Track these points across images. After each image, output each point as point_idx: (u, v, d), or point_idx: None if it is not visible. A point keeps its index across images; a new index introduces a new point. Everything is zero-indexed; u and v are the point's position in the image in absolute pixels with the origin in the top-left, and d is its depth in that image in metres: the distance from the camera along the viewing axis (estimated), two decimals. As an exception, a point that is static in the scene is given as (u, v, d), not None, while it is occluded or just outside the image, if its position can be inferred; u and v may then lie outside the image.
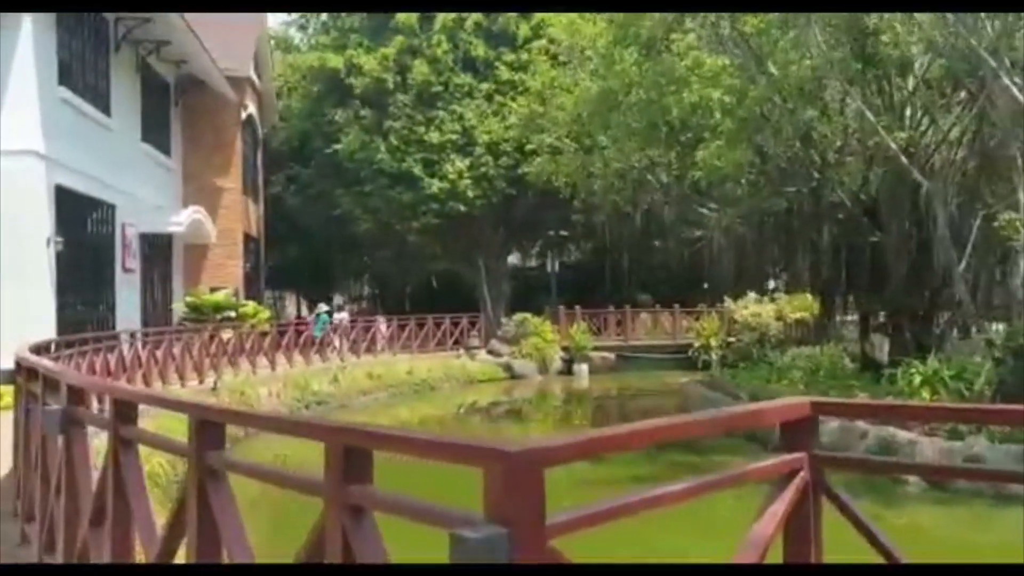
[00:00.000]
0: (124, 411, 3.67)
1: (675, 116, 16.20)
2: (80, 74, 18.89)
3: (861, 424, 12.28)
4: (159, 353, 14.53)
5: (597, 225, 29.67)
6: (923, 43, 12.12)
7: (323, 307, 27.36)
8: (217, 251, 26.48)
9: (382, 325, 27.32)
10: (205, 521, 2.91)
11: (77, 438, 4.37)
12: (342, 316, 27.52)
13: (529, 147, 24.93)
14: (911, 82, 14.61)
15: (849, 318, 31.58)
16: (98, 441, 4.89)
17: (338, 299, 33.52)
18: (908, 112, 14.27)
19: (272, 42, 32.50)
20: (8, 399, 14.07)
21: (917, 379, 14.19)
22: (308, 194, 32.10)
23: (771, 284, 39.73)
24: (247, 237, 28.21)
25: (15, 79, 16.26)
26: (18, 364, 6.54)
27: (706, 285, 37.61)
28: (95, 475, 4.17)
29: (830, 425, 12.80)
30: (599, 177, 19.98)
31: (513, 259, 36.36)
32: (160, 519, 3.69)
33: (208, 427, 2.95)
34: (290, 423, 2.97)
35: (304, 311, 42.45)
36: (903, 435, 11.25)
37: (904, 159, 12.54)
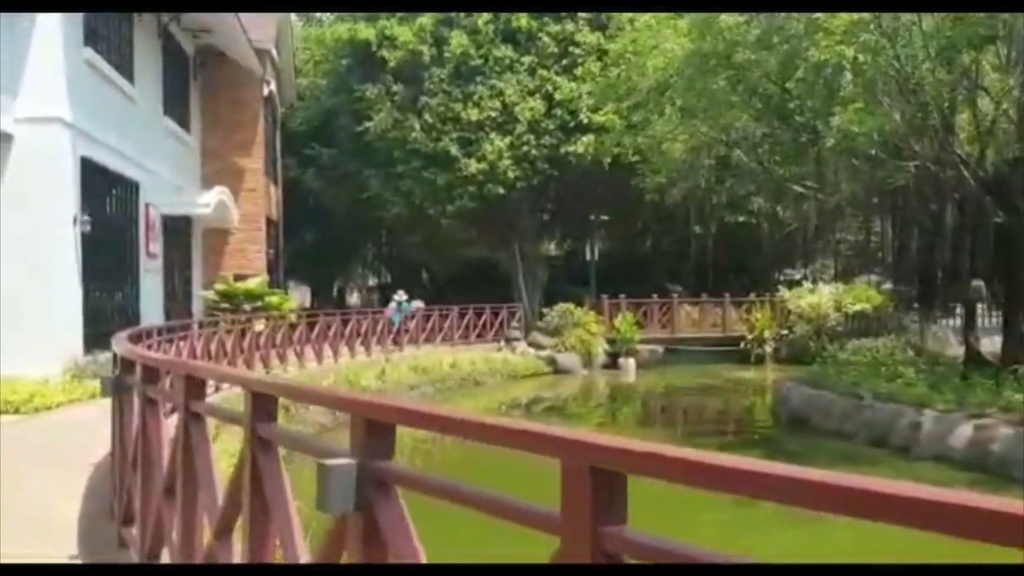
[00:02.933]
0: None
1: (798, 78, 14.39)
2: (105, 36, 17.05)
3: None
4: (212, 346, 12.77)
5: (643, 209, 27.94)
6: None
7: (402, 295, 25.63)
8: (238, 236, 24.67)
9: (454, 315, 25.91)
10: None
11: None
12: (418, 305, 25.91)
13: (597, 118, 23.04)
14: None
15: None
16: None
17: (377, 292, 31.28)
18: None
19: (293, 15, 30.57)
20: (52, 398, 12.38)
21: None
22: (331, 177, 30.19)
23: (799, 274, 38.42)
24: (268, 222, 26.46)
25: (40, 35, 14.39)
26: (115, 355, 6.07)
27: (732, 276, 36.17)
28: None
29: (1002, 431, 11.13)
30: (682, 152, 18.19)
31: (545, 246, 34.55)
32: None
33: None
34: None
35: (307, 300, 40.57)
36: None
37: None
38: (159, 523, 4.01)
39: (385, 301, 35.21)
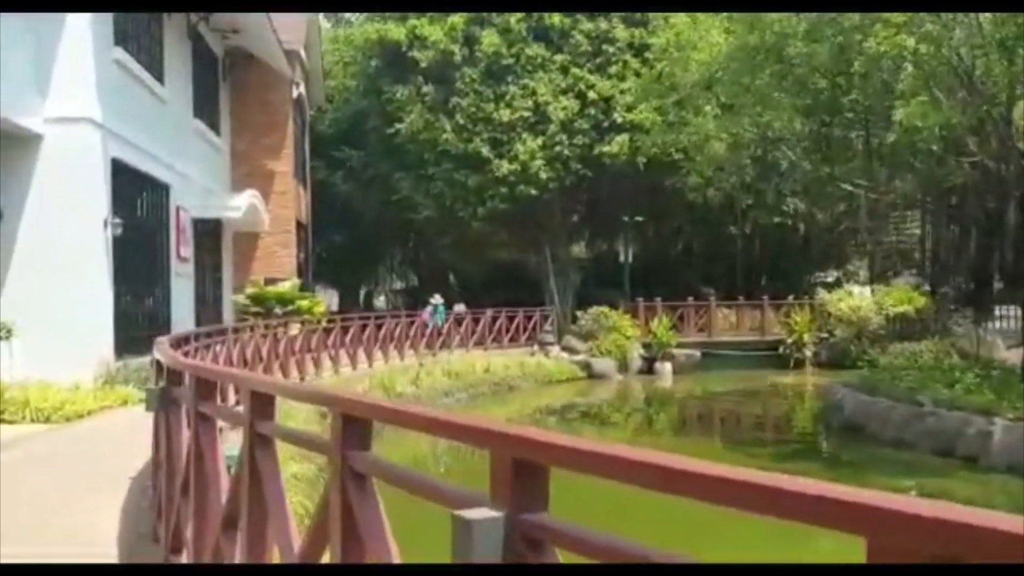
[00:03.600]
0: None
1: (853, 71, 13.75)
2: (135, 36, 16.72)
3: None
4: (248, 352, 12.37)
5: (677, 210, 27.28)
6: None
7: (439, 298, 25.23)
8: (268, 240, 24.36)
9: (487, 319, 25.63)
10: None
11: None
12: (460, 308, 25.56)
13: (632, 117, 22.45)
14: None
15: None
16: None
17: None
18: None
19: (321, 15, 30.26)
20: (83, 405, 12.01)
21: None
22: (360, 179, 29.81)
23: (831, 276, 37.64)
24: (298, 225, 26.12)
25: (69, 33, 14.05)
26: (157, 361, 5.74)
27: (765, 279, 35.51)
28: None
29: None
30: (727, 149, 17.54)
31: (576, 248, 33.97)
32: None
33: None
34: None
35: (334, 304, 40.22)
36: None
37: None
38: (218, 557, 3.53)
39: (412, 304, 34.86)
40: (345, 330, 17.84)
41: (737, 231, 32.40)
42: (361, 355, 18.53)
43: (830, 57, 13.87)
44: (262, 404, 3.04)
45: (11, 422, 11.15)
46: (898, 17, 12.01)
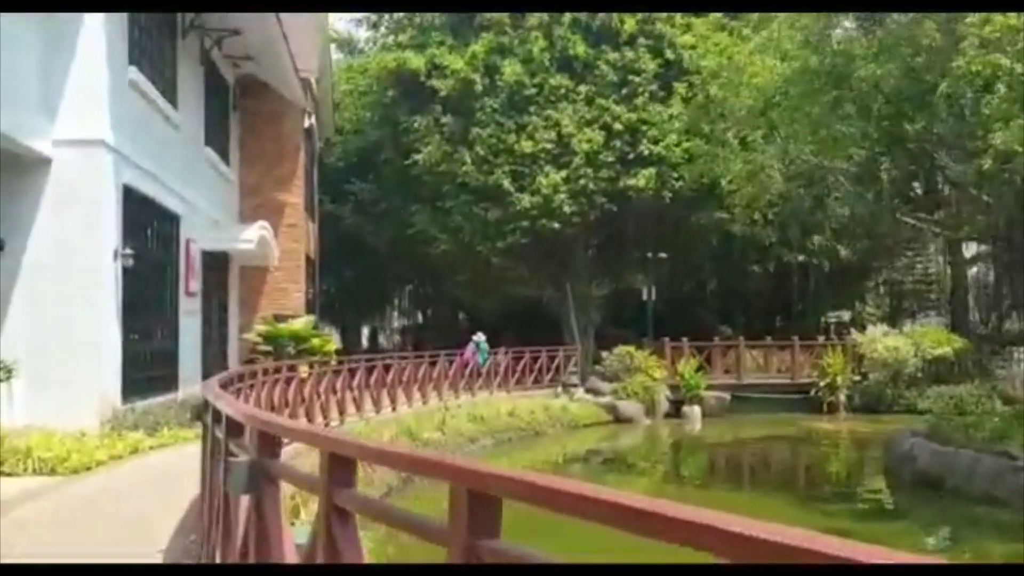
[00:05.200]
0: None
1: (941, 92, 12.68)
2: (149, 56, 15.67)
3: None
4: (275, 395, 11.18)
5: (701, 246, 26.21)
6: None
7: (481, 336, 24.02)
8: (277, 274, 23.15)
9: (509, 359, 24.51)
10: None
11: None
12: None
13: (667, 150, 21.45)
14: None
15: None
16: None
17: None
18: None
19: (333, 44, 29.35)
20: (91, 455, 10.77)
21: None
22: (371, 213, 28.71)
23: (845, 315, 36.68)
24: (307, 260, 24.98)
25: (82, 50, 12.98)
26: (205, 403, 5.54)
27: (779, 319, 34.55)
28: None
29: None
30: (776, 181, 16.50)
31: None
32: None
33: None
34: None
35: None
36: None
37: None
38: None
39: (418, 344, 33.63)
40: (369, 371, 16.64)
41: (760, 269, 31.35)
42: (386, 398, 17.30)
43: (902, 76, 12.88)
44: (484, 510, 1.86)
45: (11, 474, 9.90)
46: (992, 33, 11.03)
